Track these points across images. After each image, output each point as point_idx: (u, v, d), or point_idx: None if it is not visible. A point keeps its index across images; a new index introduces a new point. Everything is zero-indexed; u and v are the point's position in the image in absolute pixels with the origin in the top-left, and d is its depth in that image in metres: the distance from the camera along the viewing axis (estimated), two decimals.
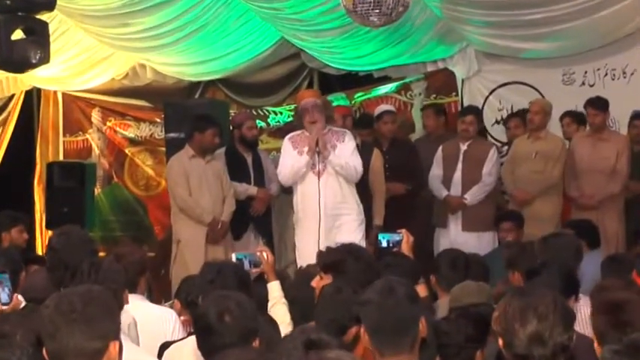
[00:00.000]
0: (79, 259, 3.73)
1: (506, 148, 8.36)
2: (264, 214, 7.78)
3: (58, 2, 7.42)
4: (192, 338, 3.49)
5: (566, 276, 4.20)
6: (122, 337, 2.73)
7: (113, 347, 2.60)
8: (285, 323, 4.27)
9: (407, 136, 8.80)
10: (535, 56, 8.66)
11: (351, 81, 9.62)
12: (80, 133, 11.26)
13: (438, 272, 5.15)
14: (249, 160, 7.84)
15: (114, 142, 10.99)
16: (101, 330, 2.59)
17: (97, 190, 10.72)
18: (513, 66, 8.86)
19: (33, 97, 11.33)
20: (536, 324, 2.79)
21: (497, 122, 8.93)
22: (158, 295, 7.17)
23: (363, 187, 6.88)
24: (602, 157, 7.46)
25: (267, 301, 4.59)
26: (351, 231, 6.48)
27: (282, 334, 3.70)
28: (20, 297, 4.17)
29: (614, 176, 7.43)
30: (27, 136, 11.31)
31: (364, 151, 6.99)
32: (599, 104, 7.51)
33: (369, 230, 6.80)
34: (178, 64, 10.04)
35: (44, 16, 7.44)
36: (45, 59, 7.27)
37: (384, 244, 4.99)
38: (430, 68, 9.30)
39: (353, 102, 9.41)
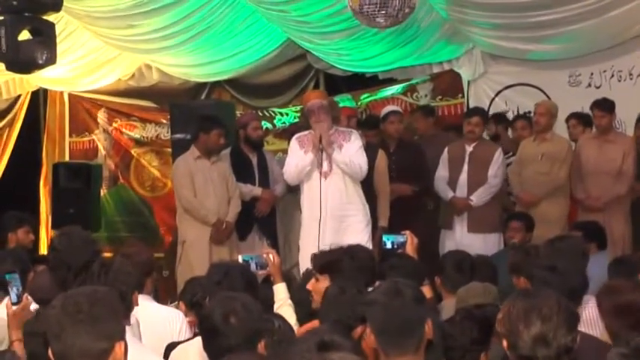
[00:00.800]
0: (81, 259, 3.72)
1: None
2: (268, 215, 7.78)
3: (65, 3, 7.44)
4: (198, 339, 3.49)
5: (574, 279, 4.18)
6: (129, 337, 2.74)
7: (119, 348, 2.60)
8: (291, 325, 4.27)
9: (413, 138, 8.81)
10: (541, 58, 8.64)
11: (357, 82, 9.61)
12: (86, 133, 11.29)
13: (443, 274, 5.16)
14: (254, 160, 7.84)
15: (120, 142, 11.01)
16: (107, 330, 2.59)
17: (103, 191, 10.74)
18: (519, 68, 8.86)
19: (39, 98, 11.37)
20: (540, 325, 2.80)
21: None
22: (164, 295, 7.18)
23: (367, 188, 6.88)
24: (609, 158, 7.44)
25: (273, 302, 4.60)
26: (357, 232, 6.47)
27: None
28: (29, 297, 4.18)
29: (621, 178, 7.41)
30: (33, 137, 11.35)
31: (370, 152, 6.97)
32: (605, 106, 7.50)
33: (374, 231, 6.79)
34: (185, 65, 10.05)
35: (51, 17, 7.45)
36: (51, 60, 7.28)
37: (389, 245, 5.01)
38: (436, 70, 9.30)
39: (359, 103, 9.41)
